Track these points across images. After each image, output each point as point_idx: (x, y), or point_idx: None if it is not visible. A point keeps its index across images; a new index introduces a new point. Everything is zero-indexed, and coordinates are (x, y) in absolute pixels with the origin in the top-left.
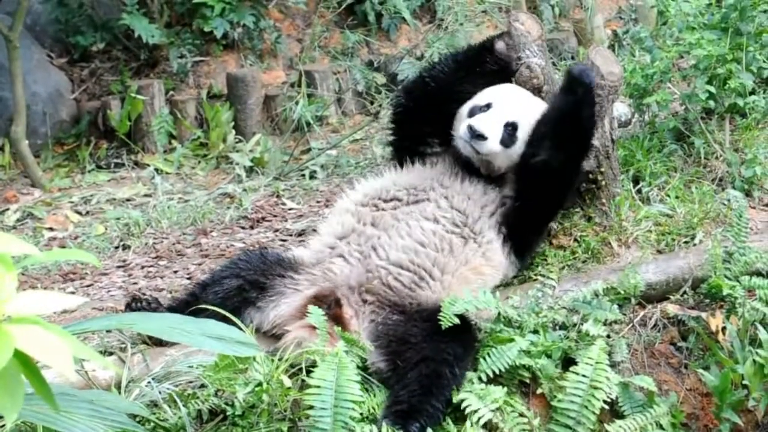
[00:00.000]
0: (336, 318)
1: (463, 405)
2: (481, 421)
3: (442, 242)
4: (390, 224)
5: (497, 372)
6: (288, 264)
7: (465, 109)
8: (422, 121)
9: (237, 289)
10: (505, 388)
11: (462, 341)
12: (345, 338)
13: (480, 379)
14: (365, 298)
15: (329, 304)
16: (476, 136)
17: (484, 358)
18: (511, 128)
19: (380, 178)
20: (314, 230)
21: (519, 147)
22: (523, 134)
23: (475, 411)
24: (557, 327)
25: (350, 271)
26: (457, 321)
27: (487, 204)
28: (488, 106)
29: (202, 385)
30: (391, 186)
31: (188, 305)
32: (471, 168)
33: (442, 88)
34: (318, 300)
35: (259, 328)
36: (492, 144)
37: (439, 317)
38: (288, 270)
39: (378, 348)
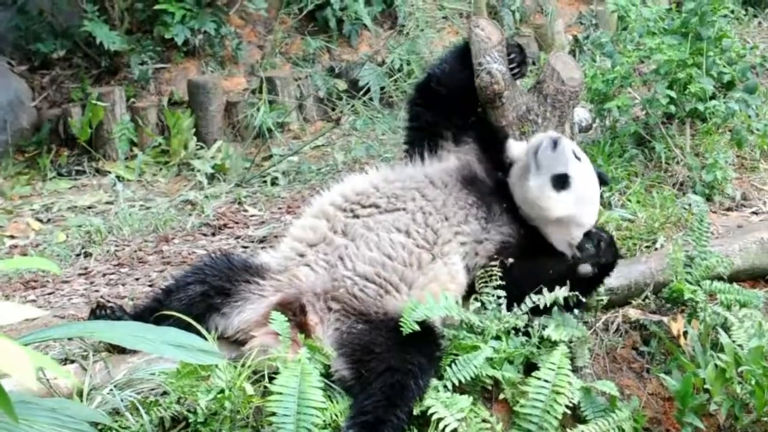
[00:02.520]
0: (300, 325)
1: (430, 412)
2: (447, 430)
3: (410, 256)
4: (360, 233)
5: (463, 381)
6: (254, 270)
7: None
8: (438, 113)
9: (201, 295)
10: (471, 397)
11: (427, 352)
12: (308, 345)
13: (446, 387)
14: (330, 305)
15: (294, 311)
16: (554, 142)
17: (450, 366)
18: (566, 178)
19: (364, 178)
20: (275, 237)
21: (560, 200)
22: (570, 195)
23: (441, 419)
24: (519, 332)
25: (316, 278)
26: (417, 327)
27: (462, 233)
28: (578, 158)
29: (165, 393)
30: (372, 192)
31: (152, 312)
32: (467, 183)
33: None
34: (283, 306)
35: (223, 334)
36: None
37: (399, 323)
38: (254, 275)
39: (342, 356)
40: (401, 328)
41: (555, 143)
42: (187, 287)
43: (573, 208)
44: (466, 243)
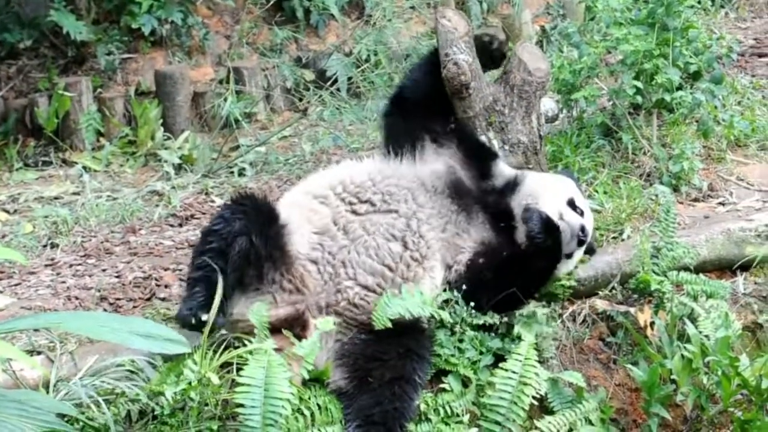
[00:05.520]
0: (299, 338)
1: None
2: None
3: (408, 270)
4: (359, 235)
5: (453, 413)
6: (281, 250)
7: (558, 192)
8: (414, 121)
9: (243, 259)
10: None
11: (426, 359)
12: (322, 372)
13: (436, 411)
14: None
15: (296, 325)
16: (581, 241)
17: (439, 395)
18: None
19: (362, 167)
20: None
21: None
22: (580, 252)
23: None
24: (488, 327)
25: (321, 288)
26: (389, 324)
27: (443, 243)
28: (582, 212)
29: (132, 383)
30: (369, 186)
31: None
32: (454, 189)
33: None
34: (289, 321)
35: (227, 311)
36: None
37: (399, 328)
38: (279, 262)
39: (342, 366)
40: (408, 336)
41: (581, 242)
42: (235, 239)
43: (580, 256)
44: (445, 253)
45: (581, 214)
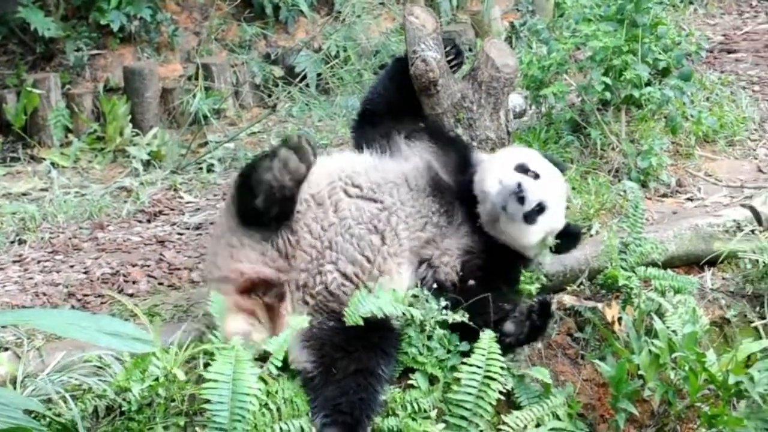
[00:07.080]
0: (271, 307)
1: None
2: None
3: (384, 263)
4: (345, 216)
5: (422, 410)
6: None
7: (508, 159)
8: (383, 127)
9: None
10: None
11: (391, 355)
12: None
13: (404, 407)
14: (306, 299)
15: (272, 293)
16: (520, 198)
17: (407, 390)
18: (539, 208)
19: (361, 158)
20: (211, 224)
21: (536, 229)
22: (544, 220)
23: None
24: (457, 327)
25: (306, 266)
26: (361, 322)
27: (418, 242)
28: (537, 175)
29: (100, 378)
30: (363, 174)
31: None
32: (434, 188)
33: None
34: (266, 284)
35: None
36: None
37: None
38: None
39: (308, 348)
40: (375, 331)
41: (521, 199)
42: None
43: (547, 226)
44: (422, 253)
45: (535, 176)
